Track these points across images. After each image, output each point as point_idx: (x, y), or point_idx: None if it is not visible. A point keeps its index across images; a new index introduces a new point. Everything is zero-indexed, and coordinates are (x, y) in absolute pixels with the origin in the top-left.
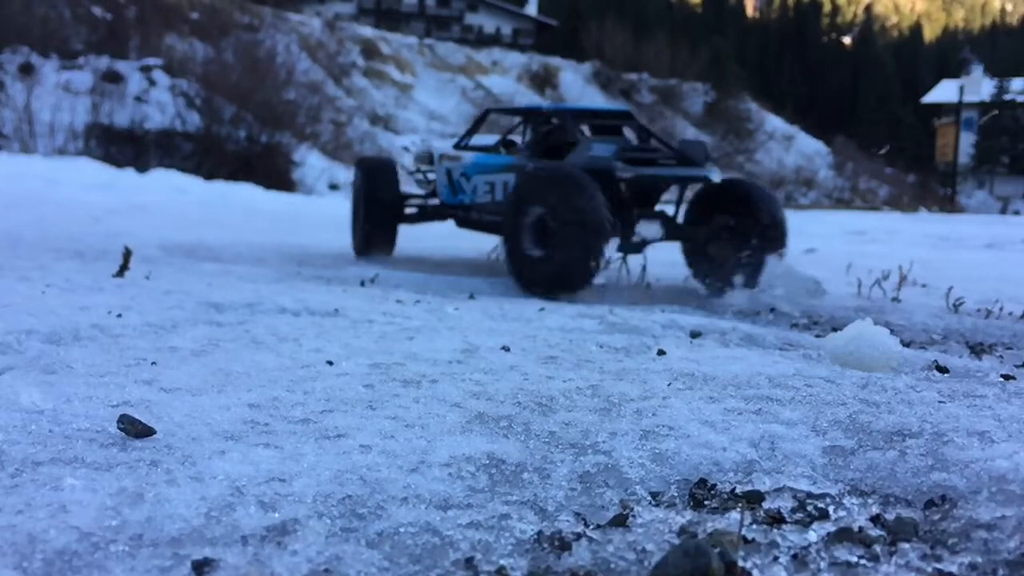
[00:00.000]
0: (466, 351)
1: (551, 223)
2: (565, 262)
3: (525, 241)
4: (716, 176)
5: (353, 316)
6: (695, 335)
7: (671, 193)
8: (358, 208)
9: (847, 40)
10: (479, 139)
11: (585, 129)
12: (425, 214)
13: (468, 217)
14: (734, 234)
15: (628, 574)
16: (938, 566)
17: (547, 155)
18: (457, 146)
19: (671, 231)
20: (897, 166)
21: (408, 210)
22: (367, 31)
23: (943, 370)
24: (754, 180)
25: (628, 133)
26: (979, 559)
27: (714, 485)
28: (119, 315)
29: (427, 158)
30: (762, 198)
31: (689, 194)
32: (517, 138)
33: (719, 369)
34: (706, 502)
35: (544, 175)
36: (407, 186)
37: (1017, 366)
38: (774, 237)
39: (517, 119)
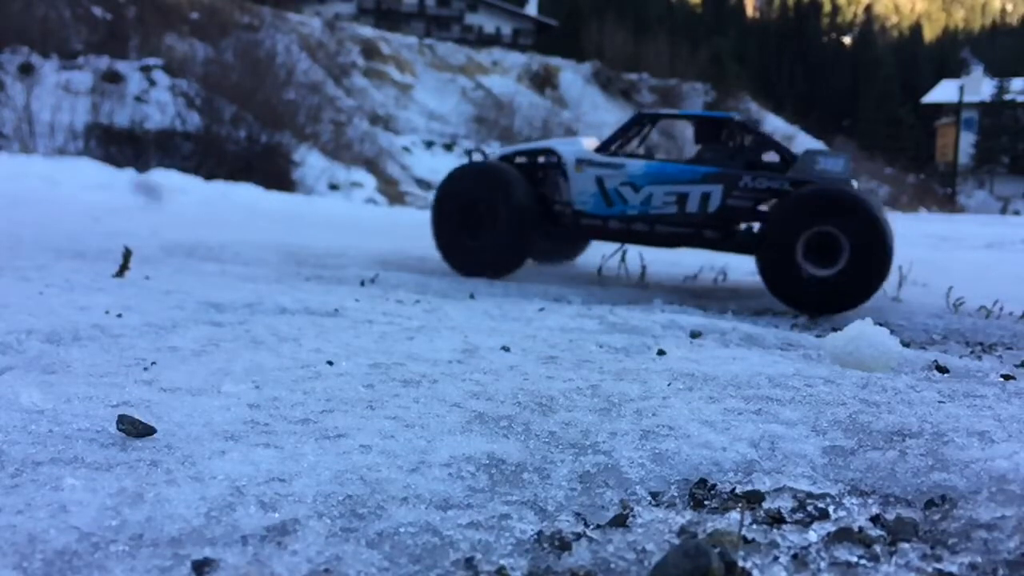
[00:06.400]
0: (466, 351)
1: (843, 242)
2: (864, 283)
3: (801, 259)
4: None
5: (353, 316)
6: (695, 335)
7: None
8: (475, 221)
9: (847, 40)
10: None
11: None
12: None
13: (628, 229)
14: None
15: (628, 574)
16: (938, 566)
17: (751, 166)
18: (605, 152)
19: None
20: (897, 166)
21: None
22: (367, 31)
23: (943, 370)
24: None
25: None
26: (979, 559)
27: (714, 485)
28: (119, 315)
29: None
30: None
31: None
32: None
33: (719, 369)
34: (706, 502)
35: (835, 195)
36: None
37: (1017, 366)
38: None
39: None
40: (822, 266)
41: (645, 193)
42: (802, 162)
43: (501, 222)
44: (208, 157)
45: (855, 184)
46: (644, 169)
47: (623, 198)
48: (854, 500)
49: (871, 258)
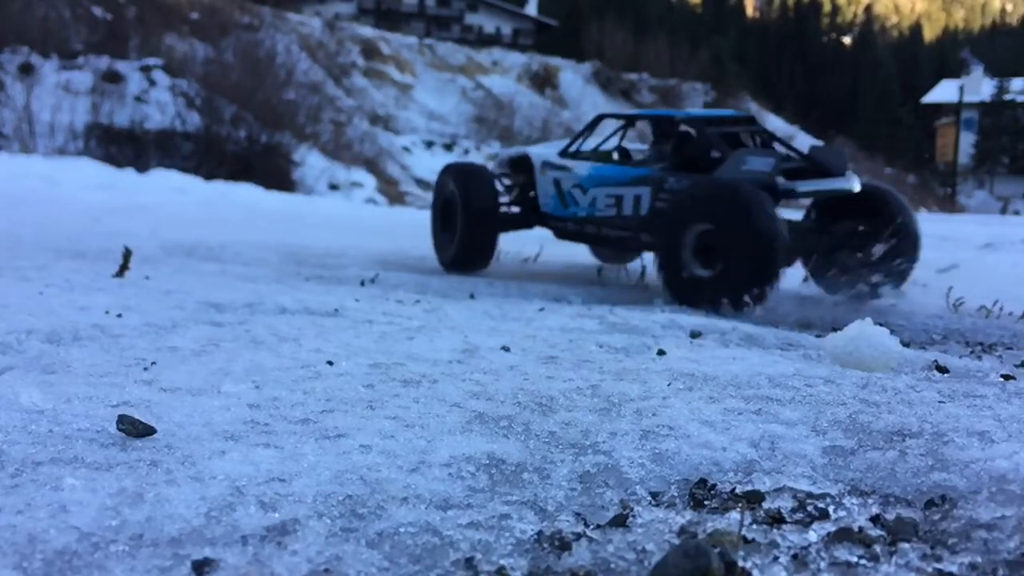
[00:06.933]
0: (466, 351)
1: (720, 241)
2: (740, 286)
3: (687, 258)
4: (858, 185)
5: (353, 316)
6: (695, 335)
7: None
8: (450, 219)
9: (847, 40)
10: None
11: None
12: (520, 224)
13: (582, 231)
14: (861, 240)
15: (628, 574)
16: (938, 566)
17: (685, 167)
18: (564, 154)
19: (800, 241)
20: (897, 166)
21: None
22: (367, 31)
23: (943, 370)
24: (884, 184)
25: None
26: (979, 559)
27: (714, 485)
28: (119, 315)
29: (507, 164)
30: (899, 205)
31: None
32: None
33: (719, 369)
34: (706, 502)
35: (716, 193)
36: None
37: (1017, 366)
38: (909, 245)
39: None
40: (705, 266)
41: (591, 195)
42: (730, 162)
43: (460, 221)
44: (208, 157)
45: (781, 180)
46: (589, 171)
47: (575, 200)
48: (854, 500)
49: (747, 260)
